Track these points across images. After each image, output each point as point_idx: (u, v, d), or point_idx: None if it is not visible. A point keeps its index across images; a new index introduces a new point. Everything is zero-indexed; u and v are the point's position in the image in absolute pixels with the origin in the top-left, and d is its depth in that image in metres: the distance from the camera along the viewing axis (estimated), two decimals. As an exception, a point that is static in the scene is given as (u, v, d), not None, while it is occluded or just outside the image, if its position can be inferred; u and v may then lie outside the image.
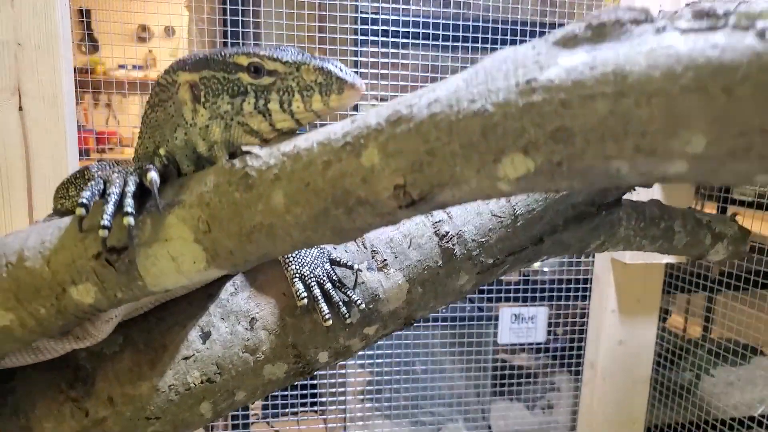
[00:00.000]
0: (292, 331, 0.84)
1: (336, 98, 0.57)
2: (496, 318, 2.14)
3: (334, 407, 2.19)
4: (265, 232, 0.55)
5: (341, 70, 0.57)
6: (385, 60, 1.94)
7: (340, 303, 0.83)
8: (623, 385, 1.76)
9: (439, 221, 0.89)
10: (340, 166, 0.52)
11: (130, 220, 0.54)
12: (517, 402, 2.33)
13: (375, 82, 1.90)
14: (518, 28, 2.03)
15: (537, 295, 2.12)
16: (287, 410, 2.20)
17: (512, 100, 0.47)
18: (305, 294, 0.82)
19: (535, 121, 0.46)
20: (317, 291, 0.82)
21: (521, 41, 1.76)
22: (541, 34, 1.98)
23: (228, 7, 2.03)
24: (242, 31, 2.01)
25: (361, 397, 2.24)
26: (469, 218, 0.90)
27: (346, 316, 0.83)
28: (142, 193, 0.57)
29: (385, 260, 0.88)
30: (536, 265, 2.47)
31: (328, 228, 0.55)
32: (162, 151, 0.62)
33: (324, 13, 2.23)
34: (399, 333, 2.11)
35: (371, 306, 0.86)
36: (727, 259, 1.27)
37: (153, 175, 0.55)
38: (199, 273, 0.58)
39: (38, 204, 1.36)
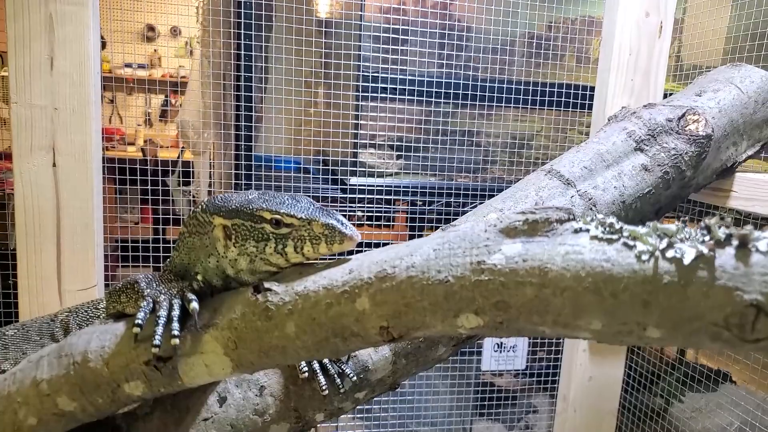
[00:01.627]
0: (295, 397, 1.01)
1: (338, 246, 0.74)
2: (480, 347, 2.31)
3: (325, 424, 2.36)
4: (280, 351, 0.72)
5: (343, 225, 0.73)
6: (383, 114, 2.10)
7: (335, 375, 1.00)
8: (592, 416, 1.94)
9: (421, 304, 1.06)
10: (340, 308, 0.68)
11: (176, 342, 0.70)
12: (497, 423, 2.50)
13: (374, 132, 2.06)
14: (512, 86, 2.19)
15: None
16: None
17: (467, 275, 0.63)
18: (306, 368, 0.98)
19: (483, 294, 0.63)
20: (316, 366, 0.99)
21: (514, 98, 1.91)
22: (532, 92, 2.13)
23: (241, 52, 2.17)
24: (246, 65, 2.15)
25: (351, 415, 2.42)
26: (446, 302, 1.07)
27: (341, 386, 0.99)
28: (183, 311, 0.74)
29: (374, 337, 1.04)
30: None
31: (328, 350, 0.71)
32: (200, 277, 0.78)
33: (330, 60, 2.39)
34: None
35: (362, 376, 1.03)
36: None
37: (195, 306, 0.72)
38: (225, 375, 0.75)
39: (66, 248, 1.52)
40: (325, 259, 0.76)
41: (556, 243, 0.61)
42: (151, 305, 0.74)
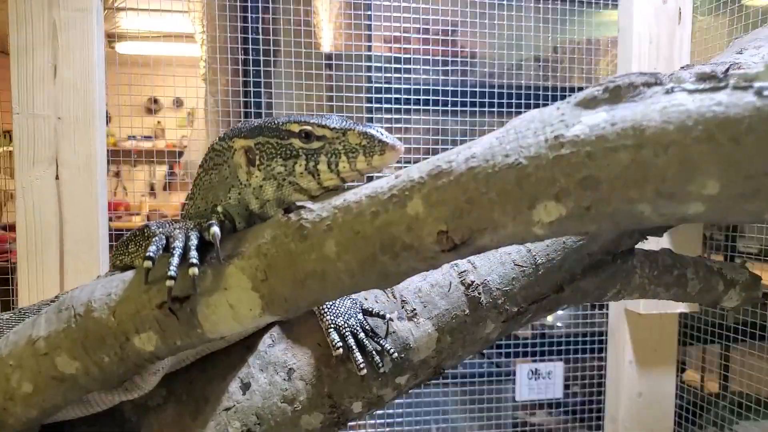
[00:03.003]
0: (328, 381, 0.87)
1: (378, 158, 0.63)
2: (513, 374, 2.14)
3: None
4: (318, 278, 0.60)
5: (382, 134, 0.64)
6: (398, 125, 2.04)
7: (374, 352, 0.87)
8: (645, 438, 1.75)
9: (465, 271, 0.94)
10: (387, 216, 0.57)
11: (195, 271, 0.59)
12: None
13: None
14: (522, 92, 2.14)
15: (553, 349, 2.13)
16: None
17: (543, 153, 0.53)
18: (340, 344, 0.85)
19: (565, 171, 0.52)
20: (351, 341, 0.86)
21: (524, 104, 1.85)
22: (543, 96, 2.08)
23: (242, 79, 2.15)
24: (255, 101, 2.12)
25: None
26: (493, 268, 0.95)
27: (380, 365, 0.86)
28: (203, 247, 0.63)
29: (414, 310, 0.92)
30: (549, 319, 2.48)
31: (375, 272, 0.60)
32: (220, 209, 0.68)
33: (332, 83, 2.36)
34: (413, 391, 2.11)
35: (402, 355, 0.89)
36: (741, 305, 1.30)
37: (215, 230, 0.61)
38: (253, 320, 0.63)
39: (69, 266, 1.41)
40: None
41: (647, 104, 0.51)
42: (164, 241, 0.63)
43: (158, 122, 5.87)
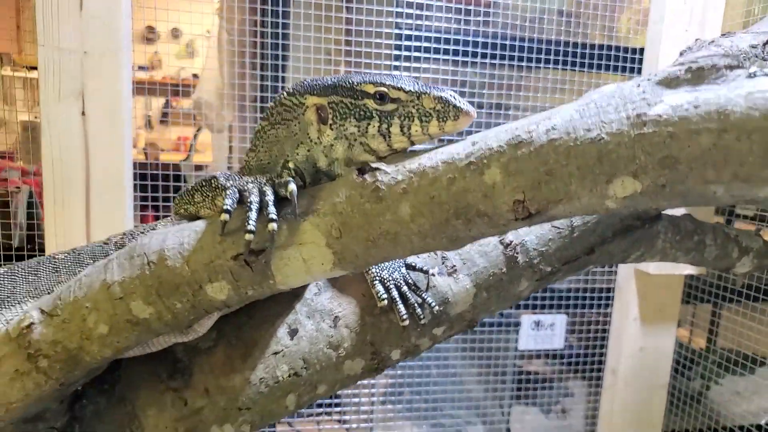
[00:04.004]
0: (371, 329, 0.91)
1: (451, 124, 0.64)
2: (516, 324, 2.21)
3: (354, 409, 2.25)
4: (390, 238, 0.62)
5: (456, 99, 0.65)
6: (416, 74, 2.02)
7: (416, 305, 0.90)
8: (643, 390, 1.84)
9: (504, 231, 0.97)
10: (464, 183, 0.59)
11: (274, 226, 0.61)
12: (534, 407, 2.40)
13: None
14: (543, 47, 2.12)
15: (554, 303, 2.19)
16: (310, 411, 2.26)
17: (625, 131, 0.55)
18: (385, 296, 0.89)
19: (645, 149, 0.54)
20: (395, 293, 0.89)
21: (545, 59, 1.83)
22: (563, 53, 2.05)
23: (260, 18, 2.10)
24: (272, 42, 2.08)
25: (383, 398, 2.31)
26: (532, 229, 0.98)
27: (421, 317, 0.90)
28: (277, 201, 0.64)
29: (454, 266, 0.95)
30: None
31: (446, 236, 0.62)
32: (291, 165, 0.69)
33: (351, 27, 2.31)
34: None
35: (441, 308, 0.93)
36: (752, 271, 1.35)
37: (293, 187, 0.62)
38: (323, 274, 0.66)
39: (95, 201, 1.42)
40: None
41: (731, 87, 0.53)
42: (237, 195, 0.65)
43: (155, 52, 5.73)
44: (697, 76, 0.55)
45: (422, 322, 0.91)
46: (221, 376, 0.87)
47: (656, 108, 0.54)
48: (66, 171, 1.39)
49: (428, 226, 0.61)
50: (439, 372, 2.30)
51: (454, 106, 0.64)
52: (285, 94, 0.71)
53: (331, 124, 0.67)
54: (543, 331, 2.26)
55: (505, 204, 0.59)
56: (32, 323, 0.67)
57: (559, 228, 0.99)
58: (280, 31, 2.11)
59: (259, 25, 2.15)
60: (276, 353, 0.88)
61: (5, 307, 0.78)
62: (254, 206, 0.62)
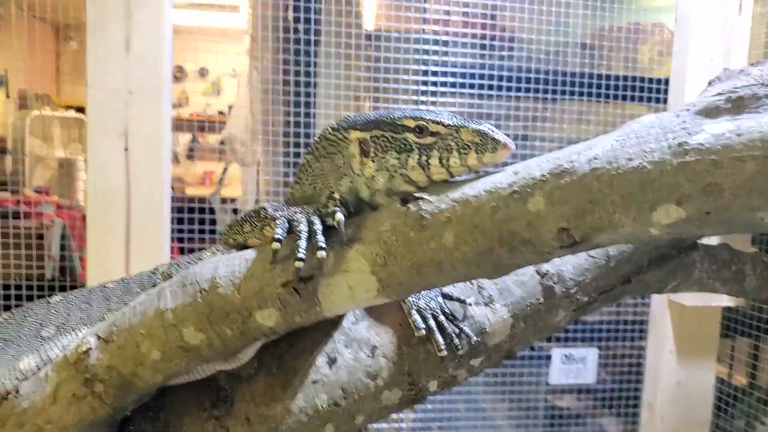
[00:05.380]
0: (408, 359, 0.92)
1: (490, 156, 0.66)
2: (547, 358, 2.18)
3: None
4: (434, 266, 0.64)
5: (494, 132, 0.67)
6: (450, 108, 2.06)
7: (453, 335, 0.91)
8: (682, 428, 1.79)
9: (540, 261, 0.97)
10: (508, 212, 0.61)
11: (323, 254, 0.63)
12: (565, 443, 2.34)
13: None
14: (566, 78, 2.14)
15: (586, 335, 2.16)
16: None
17: (667, 159, 0.56)
18: (423, 325, 0.89)
19: (689, 177, 0.55)
20: (432, 323, 0.90)
21: (568, 91, 1.84)
22: (588, 84, 2.06)
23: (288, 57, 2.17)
24: (300, 80, 2.14)
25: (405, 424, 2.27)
26: (568, 258, 0.98)
27: (459, 347, 0.90)
28: (324, 230, 0.67)
29: (491, 296, 0.96)
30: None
31: (490, 264, 0.64)
32: (337, 196, 0.72)
33: (378, 64, 2.37)
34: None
35: (478, 339, 0.93)
36: (793, 302, 1.32)
37: (340, 216, 0.65)
38: (368, 301, 0.67)
39: (135, 234, 1.46)
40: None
41: (773, 116, 0.54)
42: (287, 225, 0.67)
43: (183, 90, 5.91)
44: (737, 105, 0.57)
45: (460, 352, 0.92)
46: (262, 405, 0.88)
47: (697, 137, 0.55)
48: (108, 204, 1.44)
49: (472, 254, 0.63)
50: (468, 407, 2.27)
51: (492, 138, 0.66)
52: (330, 129, 0.74)
53: (372, 157, 0.70)
54: (574, 365, 2.22)
55: (549, 232, 0.60)
56: (89, 348, 0.69)
57: (595, 257, 1.00)
58: (304, 68, 2.17)
59: (287, 63, 2.22)
60: (315, 382, 0.89)
61: (60, 334, 0.81)
62: (304, 234, 0.65)
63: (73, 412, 0.69)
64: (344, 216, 0.68)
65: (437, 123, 0.68)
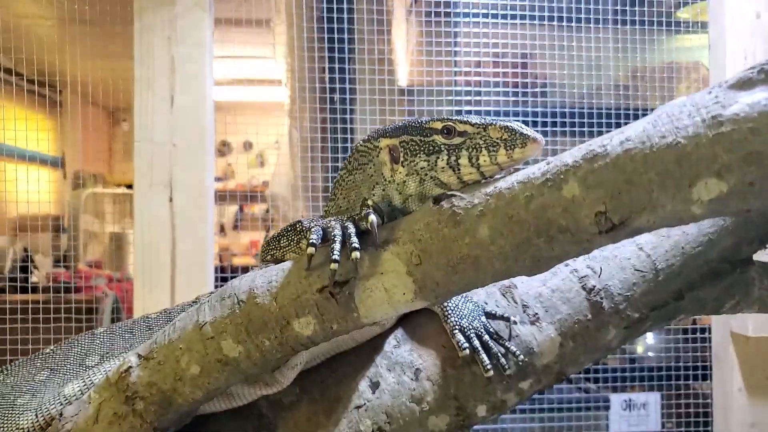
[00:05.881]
0: (454, 382, 0.89)
1: (519, 151, 0.66)
2: (605, 404, 2.07)
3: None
4: (471, 263, 0.63)
5: (523, 128, 0.67)
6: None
7: (499, 354, 0.87)
8: (760, 473, 1.64)
9: (585, 276, 0.94)
10: (542, 200, 0.60)
11: (357, 255, 0.63)
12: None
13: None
14: (602, 119, 2.14)
15: (644, 376, 2.05)
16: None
17: (701, 132, 0.55)
18: (467, 345, 0.87)
19: (726, 147, 0.53)
20: (476, 342, 0.87)
21: (605, 124, 1.82)
22: (624, 116, 2.04)
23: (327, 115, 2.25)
24: (333, 137, 2.22)
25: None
26: (614, 273, 0.95)
27: (506, 367, 0.87)
28: (359, 234, 0.67)
29: (536, 314, 0.92)
30: (639, 349, 2.39)
31: (528, 257, 0.62)
32: (370, 203, 0.72)
33: (412, 109, 2.42)
34: (497, 426, 2.06)
35: (526, 359, 0.90)
36: None
37: (373, 218, 0.65)
38: (405, 304, 0.66)
39: (180, 283, 1.50)
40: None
41: (809, 80, 0.52)
42: (321, 232, 0.67)
43: (229, 164, 6.15)
44: (772, 75, 0.55)
45: (507, 372, 0.88)
46: (305, 432, 0.85)
47: (732, 108, 0.54)
48: (154, 253, 1.48)
49: (509, 248, 0.61)
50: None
51: (521, 133, 0.66)
52: (361, 141, 0.76)
53: (402, 162, 0.71)
54: (635, 412, 2.09)
55: (586, 217, 0.58)
56: (130, 367, 0.70)
57: (642, 271, 0.96)
58: (341, 126, 2.25)
59: (324, 122, 2.30)
60: (358, 407, 0.87)
61: (105, 361, 0.82)
62: (338, 238, 0.65)
63: (114, 431, 0.68)
64: (377, 219, 0.68)
65: (464, 123, 0.68)
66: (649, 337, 2.35)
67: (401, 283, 0.65)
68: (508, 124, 0.67)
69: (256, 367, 0.70)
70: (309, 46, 2.29)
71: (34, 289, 2.88)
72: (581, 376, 2.05)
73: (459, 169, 0.69)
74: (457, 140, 0.69)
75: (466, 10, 2.32)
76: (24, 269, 3.20)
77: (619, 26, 2.37)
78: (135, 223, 1.49)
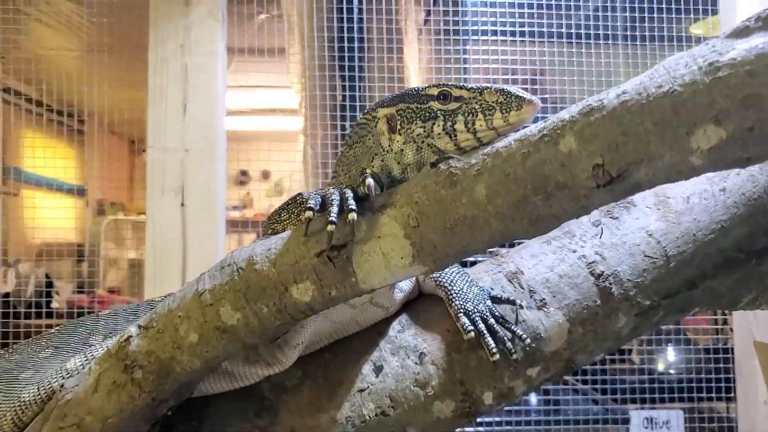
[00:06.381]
0: (459, 366, 0.87)
1: (515, 114, 0.66)
2: (625, 421, 2.00)
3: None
4: (468, 223, 0.62)
5: (518, 91, 0.67)
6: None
7: (505, 338, 0.86)
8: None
9: (594, 262, 0.93)
10: (539, 156, 0.59)
11: (354, 216, 0.63)
12: None
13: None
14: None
15: (666, 395, 1.98)
16: None
17: (698, 79, 0.54)
18: (472, 328, 0.85)
19: (723, 92, 0.53)
20: (482, 326, 0.86)
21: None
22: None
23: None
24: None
25: None
26: (623, 259, 0.93)
27: (512, 351, 0.85)
28: (357, 201, 0.67)
29: (543, 299, 0.91)
30: (660, 367, 2.33)
31: (526, 216, 0.61)
32: (369, 171, 0.72)
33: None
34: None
35: (533, 345, 0.88)
36: None
37: (370, 181, 0.65)
38: (404, 269, 0.65)
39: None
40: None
41: (806, 23, 0.52)
42: (320, 200, 0.67)
43: (247, 193, 6.23)
44: (768, 23, 0.55)
45: (514, 357, 0.86)
46: (307, 415, 0.84)
47: (729, 54, 0.54)
48: (165, 258, 1.49)
49: (506, 206, 0.61)
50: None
51: (517, 96, 0.66)
52: (360, 115, 0.76)
53: (399, 130, 0.71)
54: (658, 430, 2.02)
55: (584, 171, 0.58)
56: (130, 336, 0.70)
57: (652, 257, 0.94)
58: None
59: (336, 139, 2.33)
60: (362, 390, 0.85)
61: (107, 340, 0.82)
62: (336, 202, 0.65)
63: (113, 401, 0.68)
64: (375, 184, 0.68)
65: (461, 88, 0.69)
66: (670, 354, 2.29)
67: (399, 246, 0.64)
68: (504, 87, 0.67)
69: (254, 336, 0.69)
70: (320, 64, 2.33)
71: (55, 314, 2.91)
72: (598, 387, 2.00)
73: (455, 135, 0.68)
74: (453, 105, 0.69)
75: (475, 28, 2.35)
76: (46, 294, 3.24)
77: (629, 42, 2.38)
78: (147, 228, 1.51)
